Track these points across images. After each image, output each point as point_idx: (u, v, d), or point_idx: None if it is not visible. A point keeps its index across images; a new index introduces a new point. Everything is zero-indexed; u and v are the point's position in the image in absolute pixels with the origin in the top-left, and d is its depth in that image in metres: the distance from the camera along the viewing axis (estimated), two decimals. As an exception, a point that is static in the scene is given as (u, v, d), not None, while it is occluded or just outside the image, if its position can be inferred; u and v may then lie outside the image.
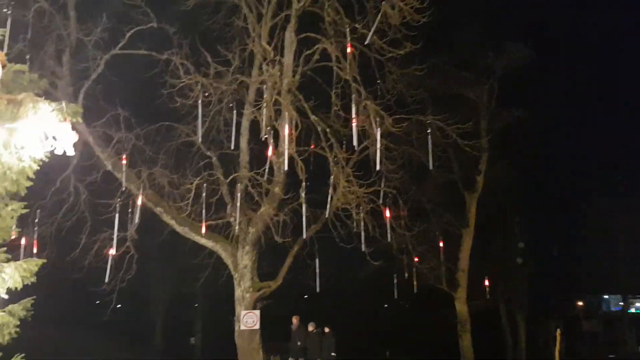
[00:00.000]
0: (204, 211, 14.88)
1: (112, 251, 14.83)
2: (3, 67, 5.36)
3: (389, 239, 16.19)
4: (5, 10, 13.74)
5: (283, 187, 15.79)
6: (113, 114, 15.85)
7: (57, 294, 24.22)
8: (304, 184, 14.48)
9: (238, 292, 16.01)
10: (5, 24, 13.61)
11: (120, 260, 16.43)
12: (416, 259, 19.89)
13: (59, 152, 5.98)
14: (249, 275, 15.96)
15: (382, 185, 16.18)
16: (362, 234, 15.74)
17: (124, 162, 15.30)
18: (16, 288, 6.42)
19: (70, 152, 5.97)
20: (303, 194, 14.33)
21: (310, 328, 16.18)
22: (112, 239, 15.68)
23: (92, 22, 15.85)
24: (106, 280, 15.74)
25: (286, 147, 14.43)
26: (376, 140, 14.49)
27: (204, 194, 14.72)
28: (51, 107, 5.85)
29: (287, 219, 15.60)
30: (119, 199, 15.20)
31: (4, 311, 6.54)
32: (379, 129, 14.46)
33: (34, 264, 6.23)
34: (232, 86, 14.87)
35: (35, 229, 15.47)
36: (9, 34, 13.73)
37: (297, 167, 14.67)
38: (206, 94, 14.66)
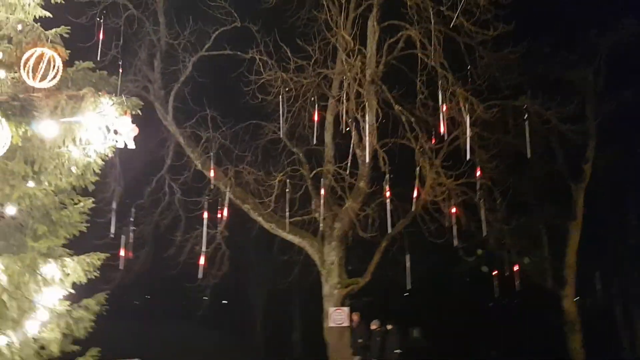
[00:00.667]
0: (287, 207, 14.79)
1: (203, 248, 15.12)
2: (63, 63, 5.40)
3: (484, 233, 15.31)
4: (98, 19, 14.49)
5: (368, 181, 15.40)
6: (201, 114, 16.21)
7: (162, 289, 25.25)
8: (387, 176, 13.96)
9: (326, 289, 15.81)
10: (98, 31, 14.43)
11: (213, 257, 16.84)
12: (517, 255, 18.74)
13: (120, 145, 5.99)
14: (336, 272, 15.70)
15: (476, 176, 15.32)
16: (454, 228, 14.99)
17: (212, 160, 15.59)
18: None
19: (131, 145, 5.96)
20: (387, 187, 13.80)
21: (373, 326, 15.57)
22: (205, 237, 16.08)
23: (179, 25, 16.28)
24: (199, 276, 16.13)
25: (367, 139, 14.01)
26: (466, 128, 13.69)
27: (287, 190, 14.61)
28: (112, 101, 5.86)
29: (374, 213, 15.18)
30: (207, 197, 15.53)
31: (80, 306, 6.69)
32: (468, 116, 13.66)
33: (97, 258, 6.31)
34: (314, 80, 14.61)
35: (132, 227, 16.17)
36: (101, 41, 14.60)
37: (380, 159, 14.17)
38: (287, 89, 14.54)
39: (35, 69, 5.08)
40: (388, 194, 13.82)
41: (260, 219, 16.05)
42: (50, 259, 5.51)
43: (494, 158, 15.98)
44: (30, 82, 5.14)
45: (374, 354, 15.06)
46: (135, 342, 19.87)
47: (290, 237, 16.14)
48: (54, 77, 5.25)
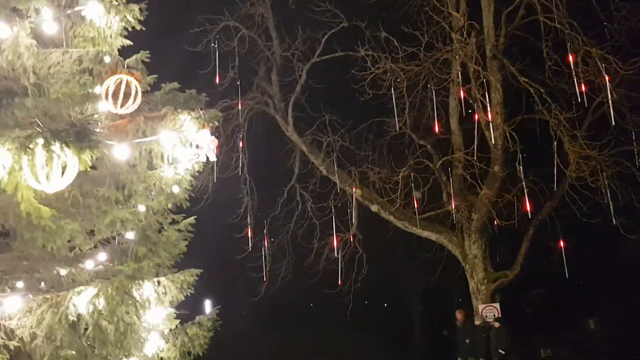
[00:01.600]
0: (415, 202, 14.10)
1: (335, 252, 14.94)
2: (139, 83, 5.44)
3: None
4: (213, 45, 15.07)
5: (502, 164, 14.19)
6: (321, 120, 16.14)
7: (309, 297, 25.48)
8: (519, 156, 12.71)
9: (472, 285, 14.80)
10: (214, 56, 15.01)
11: (352, 261, 16.64)
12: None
13: (202, 159, 5.93)
14: (481, 266, 14.64)
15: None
16: (611, 204, 13.27)
17: (334, 164, 15.43)
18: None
19: (212, 157, 5.87)
20: (519, 168, 12.56)
21: (477, 322, 13.89)
22: (341, 241, 15.95)
23: (290, 37, 16.39)
24: (339, 281, 16.02)
25: (492, 119, 12.88)
26: (607, 91, 12.06)
27: (412, 184, 13.94)
28: (190, 117, 5.81)
29: (515, 199, 13.92)
30: (332, 201, 15.39)
31: (194, 323, 6.74)
32: (607, 77, 12.01)
33: (190, 275, 6.27)
34: (426, 66, 13.79)
35: (266, 239, 16.51)
36: (219, 64, 15.15)
37: (507, 139, 12.97)
38: (398, 80, 13.89)
39: (115, 96, 5.15)
40: (522, 175, 12.52)
41: (391, 217, 15.51)
42: (141, 280, 5.56)
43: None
44: (112, 109, 5.24)
45: (479, 353, 13.48)
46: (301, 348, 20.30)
47: (425, 234, 15.40)
48: (134, 101, 5.29)
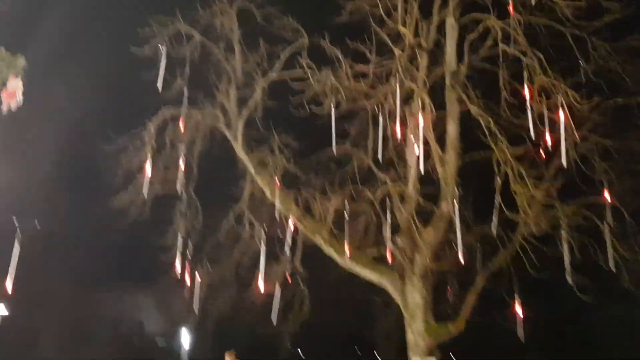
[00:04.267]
0: (346, 233, 12.79)
1: (261, 286, 13.56)
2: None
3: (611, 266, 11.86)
4: (161, 46, 14.20)
5: (452, 203, 12.83)
6: (271, 140, 15.07)
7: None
8: (455, 193, 11.42)
9: (409, 337, 13.22)
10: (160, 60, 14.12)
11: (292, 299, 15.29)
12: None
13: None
14: (421, 316, 13.09)
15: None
16: (567, 259, 11.80)
17: (277, 187, 14.22)
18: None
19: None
20: (452, 207, 11.22)
21: None
22: (281, 275, 14.65)
23: (249, 51, 15.53)
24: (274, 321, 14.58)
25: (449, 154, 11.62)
26: (561, 128, 10.76)
27: (346, 216, 12.65)
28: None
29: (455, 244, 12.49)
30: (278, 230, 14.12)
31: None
32: (564, 113, 10.74)
33: None
34: (374, 84, 12.71)
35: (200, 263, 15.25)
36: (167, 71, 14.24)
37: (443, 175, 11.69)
38: (341, 99, 12.81)
39: None
40: (456, 214, 11.17)
41: (331, 251, 14.14)
42: None
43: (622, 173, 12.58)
44: None
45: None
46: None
47: (366, 274, 13.96)
48: None
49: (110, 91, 15.62)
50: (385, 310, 15.42)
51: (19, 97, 6.08)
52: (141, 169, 13.93)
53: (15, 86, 5.89)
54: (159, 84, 13.51)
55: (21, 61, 5.97)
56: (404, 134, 13.57)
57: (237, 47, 15.66)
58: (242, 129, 15.24)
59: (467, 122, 13.07)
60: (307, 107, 13.04)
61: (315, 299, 15.48)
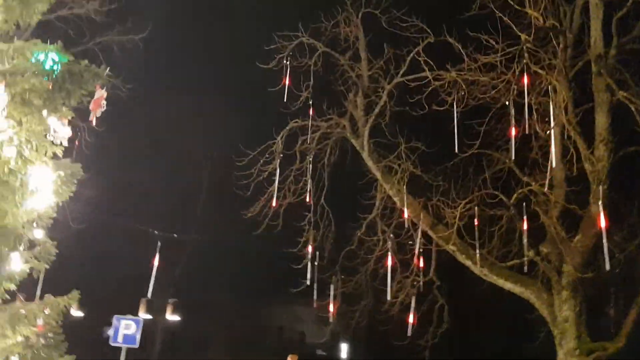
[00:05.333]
0: (476, 240, 11.70)
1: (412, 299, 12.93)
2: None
3: None
4: (285, 62, 14.42)
5: (605, 206, 11.16)
6: (400, 145, 14.47)
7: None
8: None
9: (560, 356, 11.71)
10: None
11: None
12: None
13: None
14: (572, 333, 11.54)
15: None
16: None
17: (405, 194, 13.55)
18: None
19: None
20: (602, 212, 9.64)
21: None
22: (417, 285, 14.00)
23: (374, 56, 15.16)
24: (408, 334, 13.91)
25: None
26: None
27: (476, 222, 11.60)
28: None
29: (615, 250, 10.85)
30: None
31: None
32: None
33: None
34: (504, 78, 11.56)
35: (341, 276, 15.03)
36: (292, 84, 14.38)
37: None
38: (468, 95, 11.82)
39: None
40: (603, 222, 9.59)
41: (469, 262, 13.10)
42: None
43: None
44: None
45: None
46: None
47: (509, 286, 12.70)
48: None
49: (241, 107, 16.20)
50: (531, 325, 13.87)
51: (104, 106, 6.32)
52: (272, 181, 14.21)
53: (101, 96, 6.13)
54: (285, 97, 13.74)
55: (105, 72, 6.19)
56: (544, 129, 12.28)
57: (363, 54, 15.40)
58: (368, 137, 14.89)
59: (618, 113, 11.40)
60: (433, 107, 12.20)
61: (456, 311, 14.54)
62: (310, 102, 14.72)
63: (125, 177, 16.49)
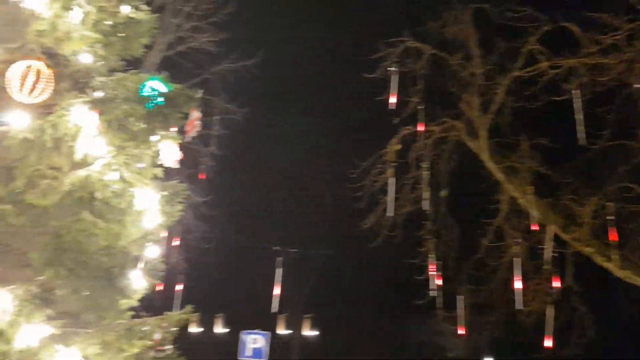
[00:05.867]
0: (610, 240, 10.50)
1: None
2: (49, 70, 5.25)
3: None
4: (390, 69, 14.24)
5: None
6: (521, 144, 13.62)
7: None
8: None
9: None
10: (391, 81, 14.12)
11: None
12: None
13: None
14: None
15: None
16: None
17: (531, 195, 12.68)
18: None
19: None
20: None
21: None
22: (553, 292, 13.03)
23: (487, 52, 14.46)
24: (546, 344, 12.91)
25: None
26: None
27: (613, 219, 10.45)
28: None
29: None
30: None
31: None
32: None
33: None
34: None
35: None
36: (398, 90, 14.17)
37: None
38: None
39: (21, 83, 5.05)
40: None
41: (610, 265, 11.88)
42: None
43: None
44: (18, 97, 5.12)
45: None
46: None
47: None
48: (43, 90, 5.09)
49: (349, 119, 16.21)
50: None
51: (199, 126, 6.56)
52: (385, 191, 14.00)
53: (195, 117, 6.39)
54: (393, 105, 13.49)
55: (198, 94, 6.45)
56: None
57: (475, 52, 14.77)
58: (487, 137, 14.17)
59: None
60: (553, 99, 11.35)
61: (599, 319, 13.25)
62: (421, 107, 14.39)
63: (248, 197, 17.21)
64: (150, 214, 6.25)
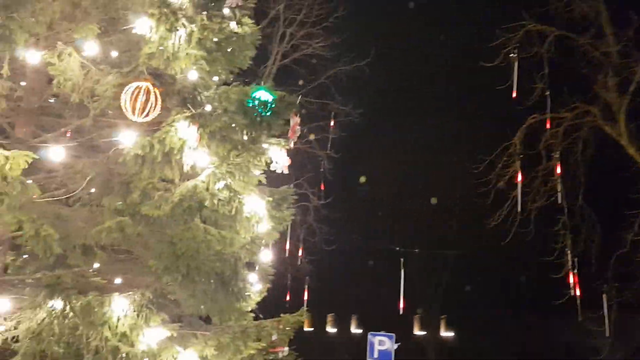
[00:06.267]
0: None
1: None
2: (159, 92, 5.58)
3: None
4: (512, 55, 13.50)
5: None
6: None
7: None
8: None
9: None
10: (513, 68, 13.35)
11: None
12: None
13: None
14: None
15: None
16: None
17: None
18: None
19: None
20: None
21: None
22: None
23: (621, 29, 13.23)
24: None
25: None
26: None
27: None
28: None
29: None
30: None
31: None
32: None
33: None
34: None
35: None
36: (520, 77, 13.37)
37: None
38: None
39: (133, 103, 5.43)
40: None
41: None
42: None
43: None
44: (131, 116, 5.49)
45: None
46: None
47: None
48: (153, 109, 5.42)
49: (469, 111, 15.53)
50: None
51: (299, 131, 6.63)
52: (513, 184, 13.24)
53: (295, 122, 6.47)
54: (515, 93, 12.73)
55: (297, 99, 6.53)
56: None
57: (608, 29, 13.55)
58: (626, 120, 12.93)
59: None
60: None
61: None
62: (547, 93, 13.44)
63: (368, 197, 17.15)
64: (258, 219, 6.44)
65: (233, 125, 5.97)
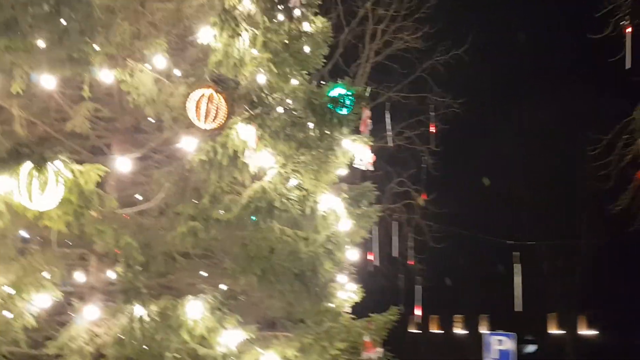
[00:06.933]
0: None
1: None
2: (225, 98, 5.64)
3: None
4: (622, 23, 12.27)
5: None
6: None
7: None
8: None
9: None
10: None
11: None
12: None
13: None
14: None
15: None
16: None
17: None
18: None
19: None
20: None
21: None
22: None
23: None
24: None
25: None
26: None
27: None
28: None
29: None
30: None
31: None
32: None
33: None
34: None
35: None
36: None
37: None
38: None
39: (198, 110, 5.54)
40: None
41: None
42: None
43: None
44: (197, 123, 5.60)
45: None
46: None
47: None
48: (216, 116, 5.49)
49: (578, 89, 14.22)
50: None
51: (370, 125, 6.46)
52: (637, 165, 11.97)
53: (367, 116, 6.35)
54: (629, 63, 11.50)
55: (366, 92, 6.37)
56: None
57: None
58: None
59: None
60: None
61: None
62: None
63: (474, 190, 16.31)
64: (336, 217, 6.31)
65: (299, 123, 5.91)
